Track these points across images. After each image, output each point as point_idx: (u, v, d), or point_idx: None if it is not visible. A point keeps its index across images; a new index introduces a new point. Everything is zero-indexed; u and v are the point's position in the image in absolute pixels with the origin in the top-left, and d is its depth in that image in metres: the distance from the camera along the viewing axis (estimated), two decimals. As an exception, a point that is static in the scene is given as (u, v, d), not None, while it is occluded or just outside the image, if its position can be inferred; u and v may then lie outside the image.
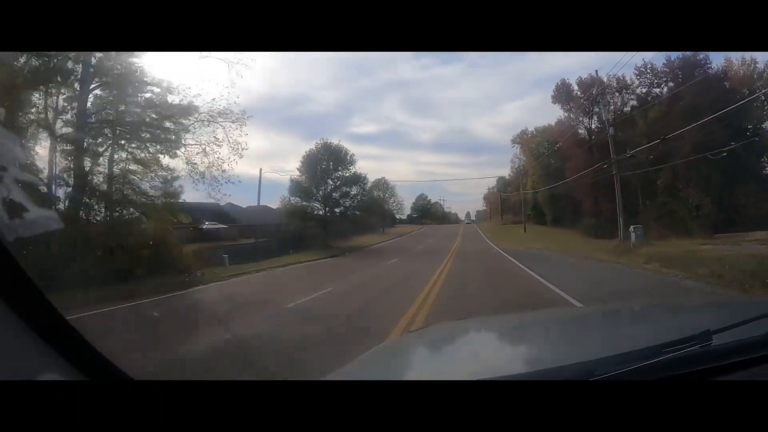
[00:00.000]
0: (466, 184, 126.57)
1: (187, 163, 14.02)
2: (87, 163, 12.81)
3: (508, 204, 63.49)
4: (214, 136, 14.56)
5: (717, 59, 25.74)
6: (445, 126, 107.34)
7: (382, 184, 53.78)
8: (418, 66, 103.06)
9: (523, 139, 49.95)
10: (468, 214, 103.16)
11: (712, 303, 3.01)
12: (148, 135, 13.65)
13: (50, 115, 12.50)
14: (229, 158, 14.47)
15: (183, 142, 14.06)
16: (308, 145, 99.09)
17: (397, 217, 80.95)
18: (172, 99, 13.97)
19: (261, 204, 33.15)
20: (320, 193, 28.56)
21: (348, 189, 29.21)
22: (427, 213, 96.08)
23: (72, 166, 12.53)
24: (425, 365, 1.45)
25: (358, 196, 29.84)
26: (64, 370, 0.80)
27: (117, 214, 13.16)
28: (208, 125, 14.50)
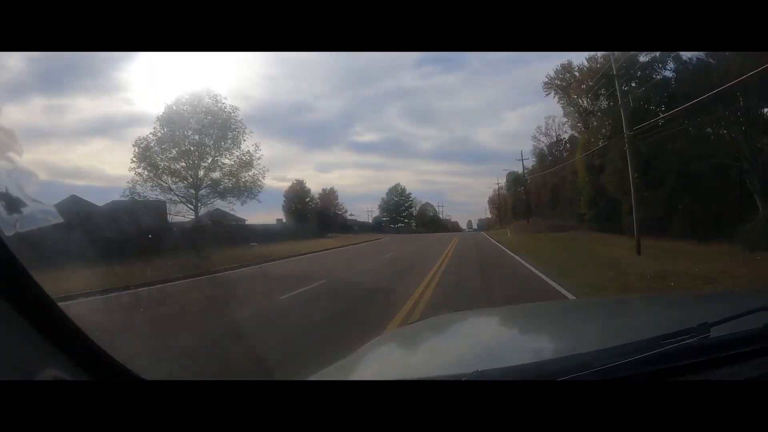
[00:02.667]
0: (467, 193, 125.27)
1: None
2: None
3: (521, 206, 51.26)
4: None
5: None
6: (446, 135, 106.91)
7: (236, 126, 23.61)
8: (419, 74, 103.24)
9: (567, 81, 29.33)
10: (470, 222, 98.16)
11: (710, 295, 3.03)
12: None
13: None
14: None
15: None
16: (310, 153, 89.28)
17: (349, 217, 60.33)
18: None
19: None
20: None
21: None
22: (407, 215, 76.48)
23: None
24: (423, 358, 1.46)
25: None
26: (69, 369, 0.80)
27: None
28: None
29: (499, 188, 69.22)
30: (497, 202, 72.90)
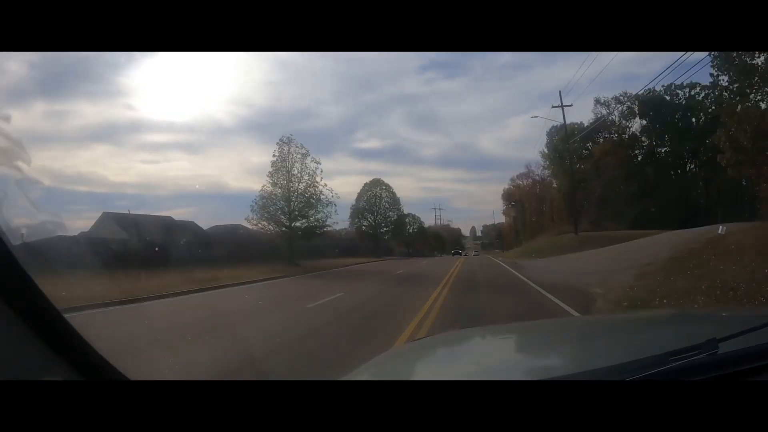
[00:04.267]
0: (470, 200, 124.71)
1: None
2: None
3: (549, 204, 36.02)
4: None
5: None
6: (449, 141, 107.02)
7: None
8: (422, 80, 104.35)
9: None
10: (473, 229, 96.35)
11: (717, 312, 2.99)
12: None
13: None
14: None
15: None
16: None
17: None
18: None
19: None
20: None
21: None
22: (394, 222, 54.45)
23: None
24: (428, 374, 1.44)
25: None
26: (62, 370, 0.80)
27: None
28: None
29: (512, 182, 47.05)
30: (517, 196, 47.33)
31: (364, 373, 1.42)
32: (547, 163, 41.02)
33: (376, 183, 54.89)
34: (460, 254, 55.77)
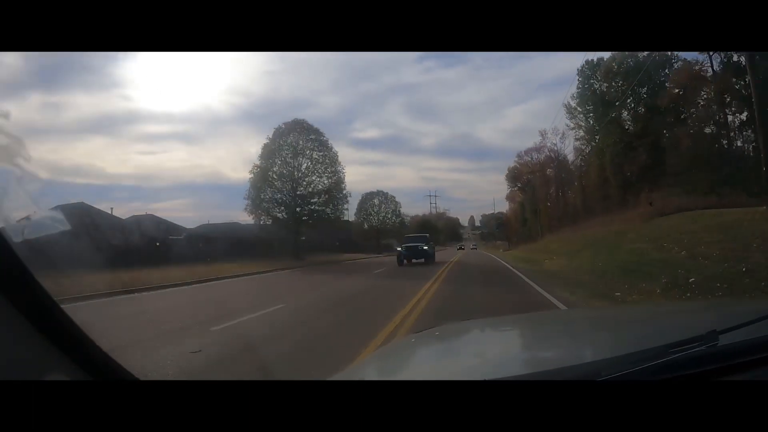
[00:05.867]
0: (469, 189, 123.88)
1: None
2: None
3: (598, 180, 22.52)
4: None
5: None
6: (448, 131, 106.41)
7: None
8: (421, 69, 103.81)
9: None
10: (471, 219, 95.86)
11: (718, 303, 3.00)
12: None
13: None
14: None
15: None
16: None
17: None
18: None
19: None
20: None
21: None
22: (318, 196, 29.53)
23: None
24: (430, 366, 1.45)
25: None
26: (69, 369, 0.81)
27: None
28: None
29: (521, 156, 33.81)
30: (526, 175, 34.15)
31: (366, 367, 1.43)
32: (576, 121, 27.00)
33: (296, 125, 29.57)
34: (426, 256, 21.22)
